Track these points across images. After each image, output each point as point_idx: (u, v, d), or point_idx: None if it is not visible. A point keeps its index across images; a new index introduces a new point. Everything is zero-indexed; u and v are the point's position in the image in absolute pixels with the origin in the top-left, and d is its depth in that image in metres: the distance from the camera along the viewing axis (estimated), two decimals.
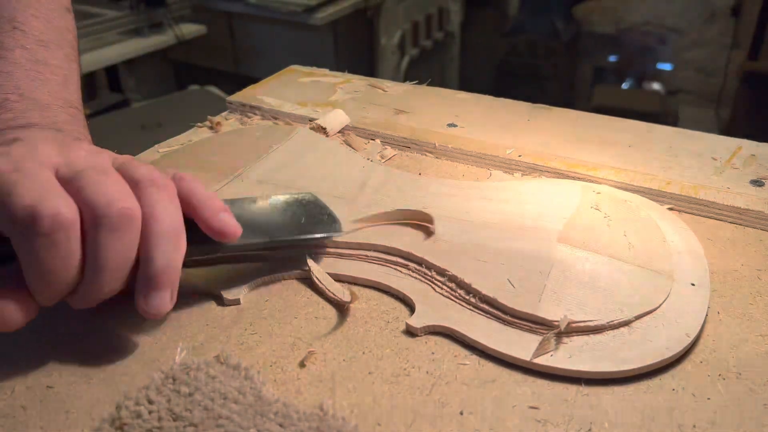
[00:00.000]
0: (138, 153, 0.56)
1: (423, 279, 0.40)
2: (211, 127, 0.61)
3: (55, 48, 0.46)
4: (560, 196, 0.46)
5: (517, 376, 0.34)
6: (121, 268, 0.33)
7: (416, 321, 0.37)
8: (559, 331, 0.35)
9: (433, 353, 0.35)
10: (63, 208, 0.31)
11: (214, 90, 1.71)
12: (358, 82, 0.70)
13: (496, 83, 2.63)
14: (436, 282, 0.39)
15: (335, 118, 0.60)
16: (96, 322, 0.37)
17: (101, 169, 0.34)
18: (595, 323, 0.35)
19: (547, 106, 0.63)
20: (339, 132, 0.59)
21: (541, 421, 0.31)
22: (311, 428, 0.30)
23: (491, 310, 0.37)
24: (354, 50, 2.07)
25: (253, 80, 0.70)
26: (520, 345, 0.35)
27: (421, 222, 0.44)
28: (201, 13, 1.96)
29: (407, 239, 0.43)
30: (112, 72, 1.86)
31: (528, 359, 0.34)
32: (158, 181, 0.35)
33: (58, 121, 0.41)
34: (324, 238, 0.42)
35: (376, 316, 0.38)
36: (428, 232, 0.43)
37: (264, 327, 0.37)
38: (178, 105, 1.64)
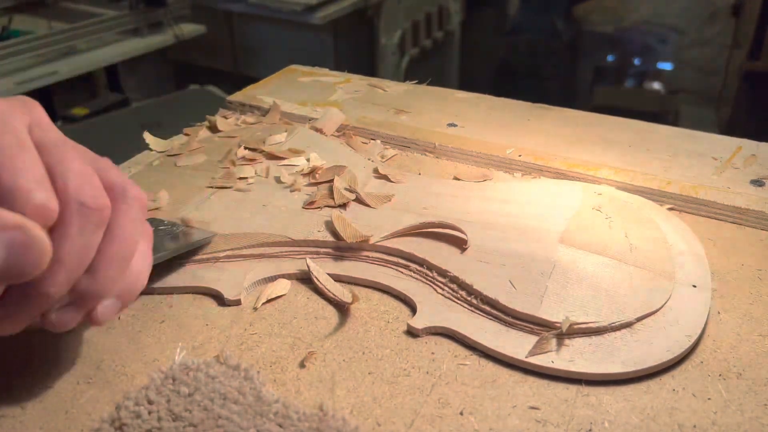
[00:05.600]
0: (138, 153, 0.56)
1: (424, 280, 0.40)
2: (210, 127, 0.61)
3: None
4: (561, 197, 0.46)
5: (517, 376, 0.34)
6: (77, 271, 0.28)
7: (418, 322, 0.37)
8: (560, 333, 0.35)
9: (433, 353, 0.35)
10: (52, 203, 0.26)
11: (214, 90, 1.71)
12: (358, 81, 0.70)
13: (496, 83, 2.63)
14: (437, 283, 0.39)
15: (330, 118, 0.59)
16: None
17: (82, 151, 0.29)
18: (597, 325, 0.35)
19: (547, 106, 0.63)
20: (339, 132, 0.59)
21: (541, 421, 0.31)
22: (311, 428, 0.30)
23: (493, 311, 0.37)
24: (354, 50, 2.07)
25: (253, 80, 0.70)
26: (522, 347, 0.35)
27: (451, 232, 0.42)
28: (201, 12, 1.95)
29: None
30: (112, 72, 1.86)
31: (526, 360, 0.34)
32: (143, 207, 0.31)
33: None
34: (201, 241, 0.41)
35: (376, 316, 0.38)
36: (459, 243, 0.42)
37: (264, 327, 0.37)
38: (178, 105, 1.63)
